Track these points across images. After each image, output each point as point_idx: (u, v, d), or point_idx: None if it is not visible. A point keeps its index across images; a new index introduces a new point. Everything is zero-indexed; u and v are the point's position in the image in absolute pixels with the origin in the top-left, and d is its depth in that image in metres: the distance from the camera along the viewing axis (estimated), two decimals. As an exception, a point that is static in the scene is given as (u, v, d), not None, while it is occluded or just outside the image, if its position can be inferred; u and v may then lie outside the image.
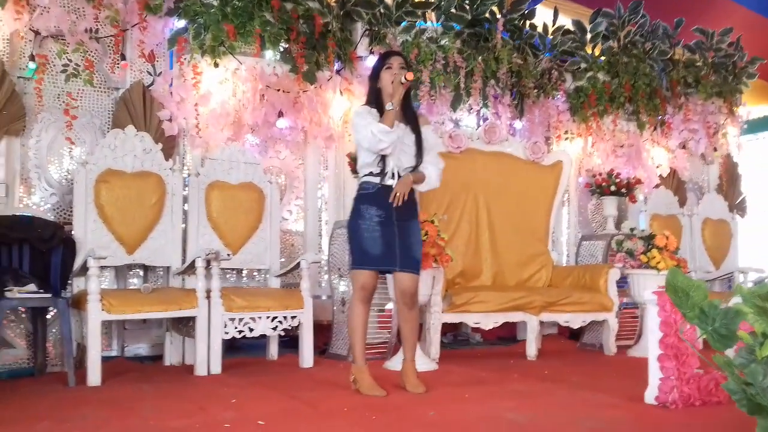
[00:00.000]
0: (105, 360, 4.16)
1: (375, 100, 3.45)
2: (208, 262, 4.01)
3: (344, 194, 5.20)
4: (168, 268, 4.45)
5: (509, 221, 5.35)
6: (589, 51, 6.11)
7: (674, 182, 6.49)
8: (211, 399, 3.19)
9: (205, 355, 3.95)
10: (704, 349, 2.20)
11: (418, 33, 5.38)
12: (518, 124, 5.94)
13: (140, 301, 3.87)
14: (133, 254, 4.28)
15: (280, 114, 4.95)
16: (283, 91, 4.94)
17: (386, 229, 3.35)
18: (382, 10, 5.27)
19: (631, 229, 5.08)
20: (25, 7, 4.27)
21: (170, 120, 4.65)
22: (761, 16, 7.51)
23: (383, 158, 3.35)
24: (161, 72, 4.72)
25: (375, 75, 3.47)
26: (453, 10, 5.48)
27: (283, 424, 2.68)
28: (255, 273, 4.92)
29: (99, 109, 4.62)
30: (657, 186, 6.29)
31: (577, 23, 6.06)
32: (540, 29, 5.85)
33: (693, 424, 2.75)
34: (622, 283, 5.09)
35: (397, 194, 3.30)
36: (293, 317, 4.23)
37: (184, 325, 4.15)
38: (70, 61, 4.42)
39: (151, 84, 4.68)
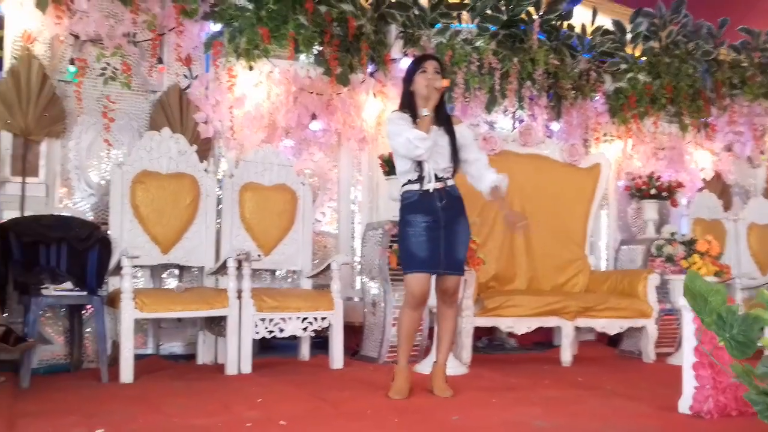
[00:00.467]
0: (140, 358, 4.25)
1: (408, 104, 3.42)
2: (240, 263, 4.04)
3: (377, 196, 5.20)
4: (202, 268, 4.50)
5: (545, 225, 5.26)
6: (630, 51, 5.98)
7: (719, 186, 6.30)
8: (237, 398, 3.20)
9: (236, 355, 3.97)
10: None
11: (453, 35, 5.34)
12: (555, 126, 5.84)
13: (172, 300, 3.92)
14: (167, 254, 4.34)
15: (314, 116, 4.97)
16: (317, 94, 4.96)
17: (432, 233, 3.32)
18: (416, 12, 5.25)
19: (672, 234, 4.95)
20: (66, 12, 4.38)
21: (206, 122, 4.71)
22: (811, 15, 7.25)
23: (420, 163, 3.33)
24: (197, 75, 4.78)
25: (409, 78, 3.44)
26: (488, 11, 5.43)
27: (304, 425, 2.68)
28: (289, 274, 4.94)
29: (137, 111, 4.71)
30: (700, 189, 6.11)
31: (617, 23, 5.94)
32: (578, 30, 5.75)
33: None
34: (663, 289, 4.96)
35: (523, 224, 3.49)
36: (323, 318, 4.23)
37: (217, 325, 4.19)
38: (108, 64, 4.51)
39: (188, 87, 4.75)
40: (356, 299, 4.98)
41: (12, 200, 4.27)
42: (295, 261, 4.71)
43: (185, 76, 4.77)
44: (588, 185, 5.43)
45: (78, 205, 4.48)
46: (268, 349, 4.91)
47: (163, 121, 4.58)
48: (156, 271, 4.54)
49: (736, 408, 2.89)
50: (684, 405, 2.95)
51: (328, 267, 4.39)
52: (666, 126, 6.08)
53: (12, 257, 3.86)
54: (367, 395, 3.30)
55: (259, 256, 4.14)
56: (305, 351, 4.56)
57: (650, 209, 5.71)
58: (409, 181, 3.37)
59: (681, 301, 3.04)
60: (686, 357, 2.97)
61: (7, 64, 4.33)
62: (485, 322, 4.52)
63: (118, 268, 3.87)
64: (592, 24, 5.79)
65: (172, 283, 4.55)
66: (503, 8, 5.45)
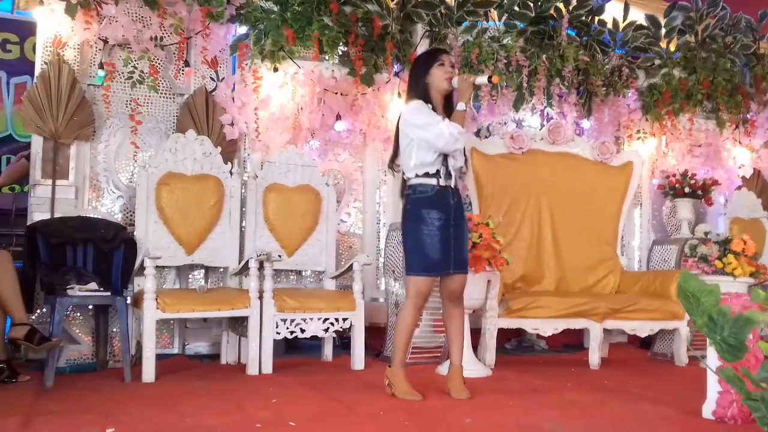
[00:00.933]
0: (165, 357, 4.31)
1: (423, 96, 3.37)
2: (261, 263, 4.06)
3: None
4: (226, 268, 4.54)
5: (574, 224, 5.16)
6: (664, 46, 5.82)
7: (758, 184, 6.08)
8: (253, 398, 3.21)
9: (257, 355, 3.99)
10: None
11: (480, 32, 5.28)
12: (586, 124, 5.72)
13: (194, 300, 3.95)
14: (192, 255, 4.38)
15: (338, 117, 4.96)
16: (341, 94, 4.95)
17: (445, 232, 3.28)
18: (442, 11, 5.20)
19: (706, 233, 4.78)
20: (95, 17, 4.46)
21: (231, 124, 4.74)
22: None
23: (446, 158, 3.28)
24: (224, 78, 4.83)
25: (425, 71, 3.38)
26: (516, 8, 5.35)
27: (313, 426, 2.66)
28: (315, 274, 4.94)
29: (165, 114, 4.77)
30: (739, 188, 5.91)
31: (651, 18, 5.78)
32: (610, 25, 5.62)
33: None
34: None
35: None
36: (345, 319, 4.22)
37: (240, 325, 4.21)
38: (136, 68, 4.59)
39: (214, 89, 4.79)
40: (381, 300, 4.96)
41: (42, 202, 4.36)
42: (319, 261, 4.71)
43: (212, 79, 4.82)
44: (620, 184, 5.30)
45: (107, 207, 4.56)
46: (295, 349, 4.92)
47: (189, 124, 4.62)
48: (182, 271, 4.59)
49: (763, 414, 2.77)
50: (708, 410, 2.85)
51: (350, 267, 4.37)
52: (702, 122, 5.90)
53: (39, 258, 3.94)
54: (383, 397, 3.27)
55: (279, 256, 4.14)
56: (328, 352, 4.55)
57: (684, 208, 5.54)
58: (426, 174, 3.28)
59: (705, 303, 2.95)
60: (710, 360, 2.86)
61: (38, 69, 4.44)
62: (510, 323, 4.44)
63: (143, 269, 3.93)
64: (625, 19, 5.64)
65: (199, 283, 4.60)
66: (531, 5, 5.36)
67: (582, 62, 5.37)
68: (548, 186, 5.16)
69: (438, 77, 3.34)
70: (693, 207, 5.58)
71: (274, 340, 4.08)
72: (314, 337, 4.40)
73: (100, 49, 4.58)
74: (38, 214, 4.31)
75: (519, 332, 5.46)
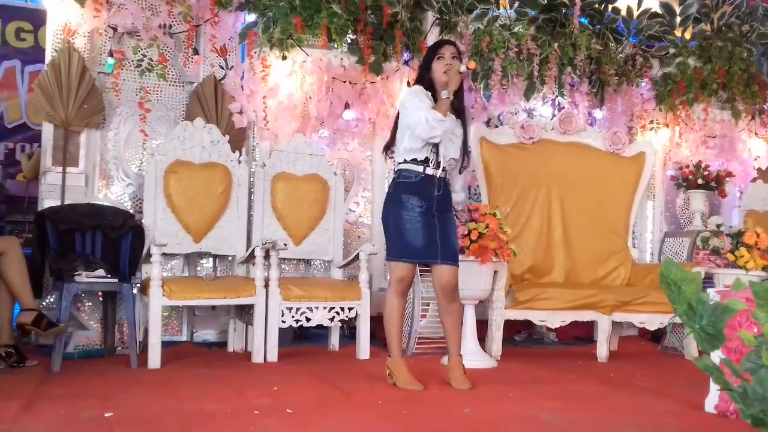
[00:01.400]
0: (173, 344, 4.35)
1: (427, 88, 3.36)
2: (268, 252, 4.07)
3: (411, 186, 5.13)
4: (234, 257, 4.55)
5: (585, 215, 5.10)
6: (679, 35, 5.72)
7: (775, 176, 5.98)
8: (254, 385, 3.22)
9: (262, 343, 4.00)
10: None
11: (491, 20, 5.22)
12: (598, 114, 5.65)
13: (200, 288, 3.97)
14: (199, 243, 4.40)
15: (347, 105, 4.95)
16: (350, 83, 4.93)
17: (428, 220, 3.26)
18: (453, -2, 5.16)
19: (718, 226, 4.73)
20: (104, 4, 4.49)
21: (240, 112, 4.75)
22: None
23: (436, 146, 3.26)
24: (233, 66, 4.83)
25: (427, 66, 3.39)
26: (527, -4, 5.29)
27: (310, 413, 2.67)
28: (323, 263, 4.94)
29: (174, 102, 4.79)
30: (754, 180, 5.81)
31: (666, 5, 5.68)
32: (624, 12, 5.53)
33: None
34: (709, 283, 4.74)
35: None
36: (350, 308, 4.22)
37: (246, 313, 4.22)
38: (145, 56, 4.60)
39: (223, 77, 4.80)
40: (389, 289, 4.94)
41: (53, 189, 4.41)
42: (326, 251, 4.71)
43: (221, 67, 4.83)
44: (632, 175, 5.22)
45: (116, 195, 4.60)
46: (303, 339, 4.94)
47: (198, 112, 4.64)
48: (191, 259, 4.61)
49: (766, 409, 2.73)
50: (710, 404, 2.81)
51: (357, 257, 4.36)
52: (717, 113, 5.80)
53: (48, 244, 3.98)
54: (384, 386, 3.27)
55: (285, 245, 4.14)
56: (335, 341, 4.56)
57: (697, 200, 5.46)
58: (414, 160, 3.28)
59: (711, 295, 2.91)
60: (714, 354, 2.81)
61: (48, 57, 4.47)
62: (516, 315, 4.40)
63: (150, 256, 3.95)
64: (639, 7, 5.56)
65: (207, 272, 4.62)
66: (543, -8, 5.30)
67: (594, 51, 5.30)
68: (559, 176, 5.10)
69: (437, 71, 3.33)
70: (706, 199, 5.50)
71: (282, 330, 4.10)
72: (323, 327, 4.41)
73: (109, 37, 4.61)
74: (49, 201, 4.36)
75: (529, 324, 5.43)
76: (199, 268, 4.65)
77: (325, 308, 4.16)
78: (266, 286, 4.05)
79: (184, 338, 4.59)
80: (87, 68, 4.45)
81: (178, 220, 4.35)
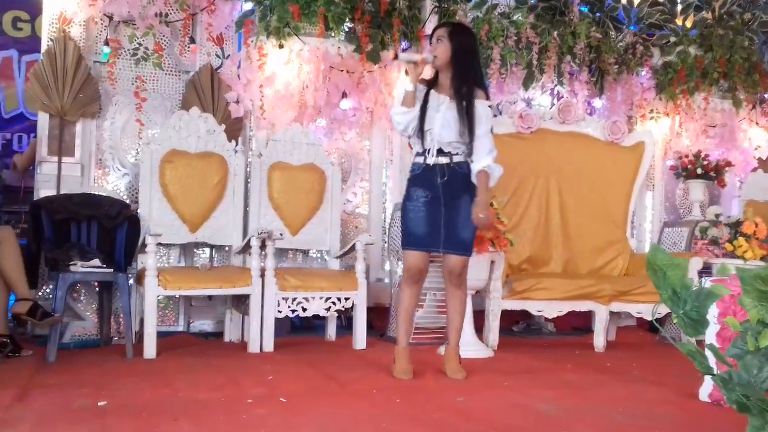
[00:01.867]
0: (170, 335, 4.35)
1: (433, 76, 3.37)
2: (264, 242, 4.05)
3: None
4: (231, 247, 4.54)
5: (584, 205, 5.07)
6: (680, 23, 5.68)
7: (775, 166, 5.95)
8: (249, 375, 3.21)
9: (258, 333, 3.99)
10: None
11: (490, 9, 5.19)
12: (598, 103, 5.62)
13: (196, 278, 3.96)
14: (195, 233, 4.39)
15: (344, 95, 4.92)
16: (347, 72, 4.90)
17: (432, 209, 3.25)
18: (452, -14, 5.12)
19: (717, 215, 4.70)
20: (99, -8, 4.46)
21: (237, 102, 4.72)
22: None
23: (422, 136, 3.24)
24: (229, 55, 4.80)
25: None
26: (527, -16, 5.25)
27: (303, 402, 2.66)
28: (320, 254, 4.93)
29: (170, 91, 4.76)
30: (754, 170, 5.78)
31: (667, -7, 5.65)
32: (624, 1, 5.49)
33: (733, 423, 2.45)
34: (708, 273, 4.72)
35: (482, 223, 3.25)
36: (347, 299, 4.21)
37: (242, 303, 4.21)
38: (141, 45, 4.58)
39: (220, 66, 4.77)
40: (387, 280, 4.94)
41: (48, 179, 4.39)
42: (323, 241, 4.69)
43: (218, 56, 4.80)
44: (631, 164, 5.19)
45: (112, 185, 4.58)
46: (301, 329, 4.94)
47: (195, 101, 4.61)
48: (187, 249, 4.60)
49: (762, 398, 2.71)
50: (704, 393, 2.80)
51: (353, 247, 4.35)
52: (718, 102, 5.77)
53: (43, 234, 3.97)
54: (379, 375, 3.26)
55: (281, 234, 4.13)
56: (331, 331, 4.55)
57: (697, 190, 5.44)
58: (418, 154, 3.32)
59: (705, 285, 2.89)
60: (708, 342, 2.80)
61: (44, 46, 4.45)
62: (514, 305, 4.39)
63: (146, 246, 3.94)
64: (640, -5, 5.52)
65: (204, 262, 4.61)
66: (542, -20, 5.26)
67: (594, 39, 5.26)
68: (557, 166, 5.08)
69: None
70: (706, 188, 5.47)
71: (279, 320, 4.09)
72: (320, 317, 4.40)
73: (105, 26, 4.58)
74: (44, 191, 4.35)
75: (527, 315, 5.42)
76: (195, 258, 4.64)
77: (321, 298, 4.15)
78: (262, 276, 4.04)
79: (180, 328, 4.58)
80: (83, 57, 4.42)
81: (174, 210, 4.34)
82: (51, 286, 4.22)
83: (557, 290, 4.40)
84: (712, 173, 5.30)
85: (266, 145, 4.66)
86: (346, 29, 4.88)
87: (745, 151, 5.79)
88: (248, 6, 4.82)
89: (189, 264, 4.58)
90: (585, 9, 5.36)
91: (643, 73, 5.58)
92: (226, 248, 4.64)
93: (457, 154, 3.27)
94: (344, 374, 3.25)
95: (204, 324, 4.68)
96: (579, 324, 5.42)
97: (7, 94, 6.70)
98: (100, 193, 4.34)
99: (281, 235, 4.12)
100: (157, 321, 3.87)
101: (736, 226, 4.54)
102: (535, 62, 5.16)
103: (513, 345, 4.51)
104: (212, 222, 4.42)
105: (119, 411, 2.50)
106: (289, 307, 4.09)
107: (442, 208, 3.26)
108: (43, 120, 4.43)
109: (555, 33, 5.19)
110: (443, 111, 3.23)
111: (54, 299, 3.75)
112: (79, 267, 3.77)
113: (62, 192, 4.33)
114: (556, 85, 5.37)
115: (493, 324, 4.30)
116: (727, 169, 5.37)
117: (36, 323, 3.60)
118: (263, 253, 4.06)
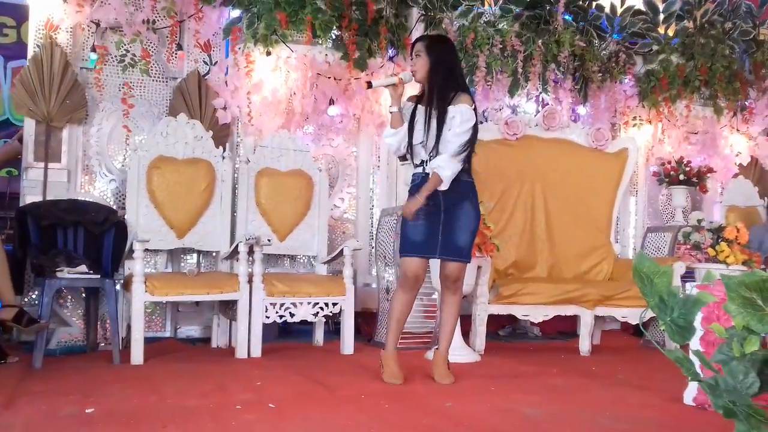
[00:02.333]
0: (156, 340, 4.33)
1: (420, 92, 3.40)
2: (252, 247, 4.06)
3: (396, 182, 5.15)
4: (219, 252, 4.54)
5: (568, 211, 5.13)
6: (662, 32, 5.77)
7: (756, 172, 6.04)
8: (237, 381, 3.22)
9: (246, 338, 4.00)
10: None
11: (476, 17, 5.24)
12: (582, 110, 5.68)
13: (184, 284, 3.96)
14: (183, 239, 4.39)
15: (332, 102, 4.94)
16: (335, 79, 4.93)
17: (431, 217, 3.28)
18: (438, -5, 5.16)
19: (699, 221, 4.77)
20: (87, 0, 4.45)
21: (224, 108, 4.74)
22: None
23: (412, 151, 3.31)
24: (217, 61, 4.82)
25: None
26: (512, -8, 5.30)
27: (292, 408, 2.67)
28: (308, 259, 4.94)
29: (158, 98, 4.76)
30: (735, 176, 5.87)
31: (649, 2, 5.72)
32: (607, 10, 5.56)
33: (718, 427, 2.50)
34: (691, 277, 4.79)
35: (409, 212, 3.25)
36: (335, 304, 4.22)
37: (230, 309, 4.22)
38: (128, 51, 4.58)
39: (207, 73, 4.78)
40: (374, 286, 4.96)
41: (35, 185, 4.38)
42: (311, 246, 4.71)
43: (205, 63, 4.81)
44: (614, 171, 5.26)
45: (99, 191, 4.57)
46: (288, 334, 4.94)
47: (182, 107, 4.62)
48: (175, 255, 4.60)
49: (744, 401, 2.76)
50: (688, 397, 2.85)
51: (341, 253, 4.37)
52: (699, 109, 5.86)
53: (29, 240, 3.96)
54: (367, 380, 3.28)
55: (269, 240, 4.15)
56: (319, 336, 4.56)
57: (679, 196, 5.52)
58: (415, 165, 3.38)
59: (688, 289, 2.94)
60: (693, 347, 2.84)
61: (30, 52, 4.44)
62: (500, 309, 4.43)
63: (133, 252, 3.93)
64: (622, 4, 5.60)
65: (191, 268, 4.60)
66: (527, -11, 5.32)
67: (578, 48, 5.33)
68: (542, 172, 5.13)
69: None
70: (688, 194, 5.56)
71: (267, 325, 4.10)
72: (307, 323, 4.41)
73: (92, 33, 4.58)
74: (30, 197, 4.34)
75: (513, 319, 5.46)
76: (182, 264, 4.63)
77: (309, 304, 4.17)
78: (250, 281, 4.04)
79: (167, 334, 4.57)
80: (69, 63, 4.42)
81: (162, 216, 4.33)
82: (36, 292, 4.20)
83: (543, 295, 4.45)
84: (694, 179, 5.38)
85: (254, 152, 4.67)
86: (334, 37, 4.92)
87: (726, 157, 5.88)
88: (236, 13, 4.83)
89: (176, 270, 4.58)
90: (569, 18, 5.43)
91: (626, 80, 5.66)
92: (213, 254, 4.64)
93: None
94: (332, 379, 3.27)
95: (191, 330, 4.67)
96: (564, 328, 5.46)
97: (-8, 100, 6.67)
98: (86, 199, 4.34)
99: (269, 241, 4.14)
100: (144, 327, 3.86)
101: (718, 232, 4.61)
102: (520, 70, 5.22)
103: (499, 349, 4.55)
104: (200, 228, 4.43)
105: (107, 418, 2.50)
106: (276, 312, 4.10)
107: (441, 215, 3.29)
108: (29, 126, 4.42)
109: (540, 41, 5.25)
110: (435, 125, 3.25)
111: (40, 305, 3.74)
112: (65, 273, 3.77)
113: (49, 198, 4.33)
114: (540, 93, 5.43)
115: (479, 329, 4.33)
116: (708, 175, 5.46)
117: (22, 330, 3.58)
118: (251, 258, 4.07)
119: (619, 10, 5.61)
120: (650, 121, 5.70)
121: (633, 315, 4.60)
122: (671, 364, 4.09)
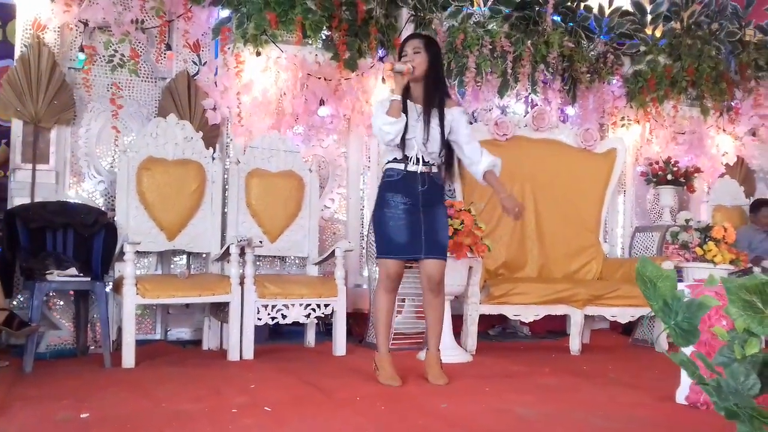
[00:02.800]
0: (147, 343, 4.31)
1: (405, 88, 3.36)
2: (243, 249, 4.05)
3: (386, 183, 5.14)
4: (209, 254, 4.52)
5: (558, 211, 5.17)
6: (649, 33, 5.81)
7: (741, 171, 6.11)
8: (231, 384, 3.21)
9: (238, 341, 3.98)
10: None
11: (465, 18, 5.25)
12: (571, 111, 5.72)
13: (175, 286, 3.94)
14: (173, 240, 4.37)
15: (322, 102, 4.94)
16: (325, 79, 4.92)
17: (412, 216, 3.29)
18: (428, -5, 5.17)
19: (687, 220, 4.82)
20: (75, -1, 4.42)
21: (214, 109, 4.72)
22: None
23: (404, 144, 3.28)
24: (206, 62, 4.79)
25: None
26: (501, -6, 5.32)
27: (289, 411, 2.67)
28: (299, 260, 4.93)
29: (146, 98, 4.74)
30: (722, 175, 5.93)
31: (637, 4, 5.77)
32: (595, 11, 5.60)
33: (712, 426, 2.53)
34: (678, 276, 4.83)
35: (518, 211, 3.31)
36: (327, 305, 4.22)
37: (221, 311, 4.20)
38: (116, 51, 4.55)
39: (196, 73, 4.76)
40: (365, 286, 4.97)
41: (23, 187, 4.34)
42: (302, 247, 4.70)
43: (194, 63, 4.79)
44: (603, 171, 5.30)
45: (88, 192, 4.54)
46: (279, 336, 4.93)
47: (171, 108, 4.59)
48: (165, 257, 4.57)
49: (736, 400, 2.79)
50: (681, 395, 2.87)
51: (332, 254, 4.37)
52: (686, 110, 5.91)
53: (18, 243, 3.92)
54: (361, 382, 3.28)
55: (260, 242, 4.13)
56: (311, 338, 4.56)
57: (667, 195, 5.57)
58: (395, 159, 3.33)
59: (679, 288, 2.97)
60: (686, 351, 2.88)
61: (17, 52, 4.40)
62: (491, 309, 4.45)
63: (123, 254, 3.91)
64: (610, 5, 5.63)
65: (181, 269, 4.58)
66: (517, -10, 5.34)
67: (567, 48, 5.35)
68: (532, 173, 5.16)
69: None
70: (676, 194, 5.61)
71: (258, 327, 4.09)
72: (299, 324, 4.41)
73: (80, 32, 4.54)
74: (18, 198, 4.29)
75: (503, 319, 5.49)
76: (172, 266, 4.61)
77: (301, 305, 4.16)
78: (241, 283, 4.03)
79: (157, 337, 4.55)
80: (57, 64, 4.38)
81: (152, 218, 4.31)
82: (25, 295, 4.16)
83: (533, 295, 4.48)
84: (682, 179, 5.44)
85: (244, 152, 4.66)
86: (324, 37, 4.91)
87: (713, 157, 5.94)
88: (225, 13, 4.81)
89: (166, 272, 4.56)
90: (558, 19, 5.46)
91: (614, 81, 5.70)
92: (204, 256, 4.62)
93: (434, 164, 3.34)
94: (327, 382, 3.26)
95: (182, 332, 4.65)
96: (554, 327, 5.50)
97: (-23, 99, 6.57)
98: (75, 201, 4.30)
99: (261, 242, 4.12)
100: (135, 329, 3.83)
101: (705, 231, 4.66)
102: (509, 71, 5.24)
103: (490, 349, 4.57)
104: (190, 229, 4.41)
105: (103, 423, 2.49)
106: (268, 314, 4.09)
107: (420, 215, 3.30)
108: (16, 127, 4.38)
109: (529, 42, 5.27)
110: (422, 122, 3.26)
111: (30, 309, 3.70)
112: (55, 276, 3.73)
113: (37, 200, 4.29)
114: (530, 93, 5.45)
115: (471, 329, 4.35)
116: (695, 175, 5.51)
117: (12, 333, 3.55)
118: (242, 260, 4.06)
119: (607, 11, 5.64)
120: (638, 122, 5.74)
121: (622, 314, 4.64)
122: (661, 362, 4.13)
